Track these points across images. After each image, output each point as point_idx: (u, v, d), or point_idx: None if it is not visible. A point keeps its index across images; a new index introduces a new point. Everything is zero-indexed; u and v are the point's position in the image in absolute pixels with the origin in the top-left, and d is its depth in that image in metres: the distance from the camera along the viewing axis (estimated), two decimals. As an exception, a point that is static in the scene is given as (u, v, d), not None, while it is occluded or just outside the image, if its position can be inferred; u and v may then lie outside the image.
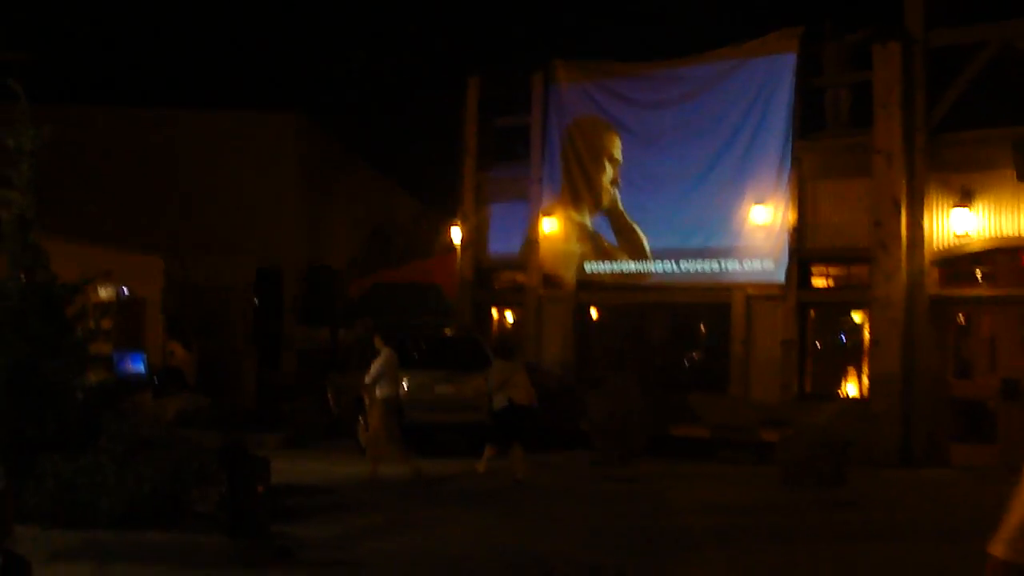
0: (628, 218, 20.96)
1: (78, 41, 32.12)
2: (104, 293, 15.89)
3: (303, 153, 28.89)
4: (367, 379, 15.99)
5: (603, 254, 21.30)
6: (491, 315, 23.87)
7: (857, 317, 19.26)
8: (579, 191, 21.70)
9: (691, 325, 21.51)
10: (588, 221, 21.56)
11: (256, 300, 27.57)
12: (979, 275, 18.07)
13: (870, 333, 18.36)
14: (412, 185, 33.40)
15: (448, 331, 20.72)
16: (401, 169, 33.13)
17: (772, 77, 19.37)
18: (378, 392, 15.86)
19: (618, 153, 21.21)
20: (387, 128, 32.79)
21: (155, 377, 15.78)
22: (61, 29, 31.90)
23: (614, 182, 21.20)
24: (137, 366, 15.89)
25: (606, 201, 21.29)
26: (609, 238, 21.23)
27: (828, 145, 19.13)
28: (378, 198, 33.10)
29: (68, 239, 18.56)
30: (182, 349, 23.60)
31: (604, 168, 21.37)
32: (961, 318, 18.47)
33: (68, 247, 17.14)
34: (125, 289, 16.30)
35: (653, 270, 20.64)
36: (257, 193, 27.94)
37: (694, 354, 21.56)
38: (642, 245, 20.77)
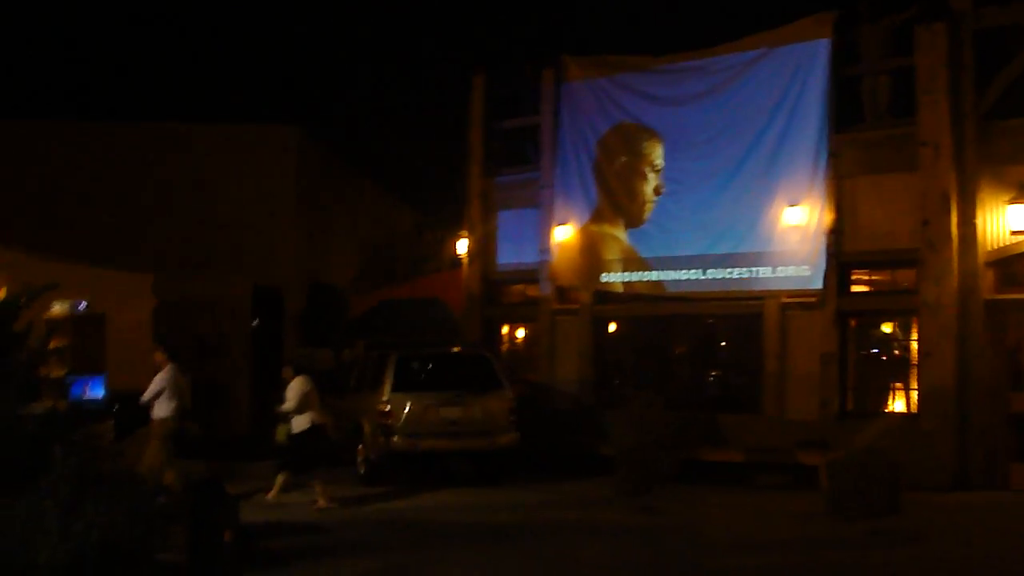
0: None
1: (73, 55, 31.05)
2: (59, 308, 14.28)
3: (302, 167, 27.75)
4: (144, 396, 14.26)
5: (632, 264, 19.65)
6: (501, 331, 22.28)
7: (902, 326, 17.61)
8: (617, 204, 19.92)
9: (719, 338, 19.79)
10: (622, 234, 19.88)
11: (255, 320, 26.26)
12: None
13: (919, 343, 16.73)
14: (415, 198, 32.06)
15: (457, 348, 19.11)
16: (404, 181, 31.80)
17: (804, 66, 17.79)
18: (156, 411, 14.20)
19: (659, 159, 19.48)
20: (388, 138, 31.50)
21: (116, 404, 14.12)
22: (56, 42, 30.84)
23: (657, 191, 19.50)
24: (96, 391, 14.24)
25: (646, 213, 19.58)
26: (643, 249, 19.56)
27: (867, 138, 17.52)
28: (380, 212, 31.90)
29: (44, 256, 17.13)
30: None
31: (646, 178, 19.63)
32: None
33: (45, 264, 15.68)
34: (82, 304, 14.65)
35: (680, 279, 19.00)
36: (255, 208, 26.86)
37: (721, 371, 19.83)
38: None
